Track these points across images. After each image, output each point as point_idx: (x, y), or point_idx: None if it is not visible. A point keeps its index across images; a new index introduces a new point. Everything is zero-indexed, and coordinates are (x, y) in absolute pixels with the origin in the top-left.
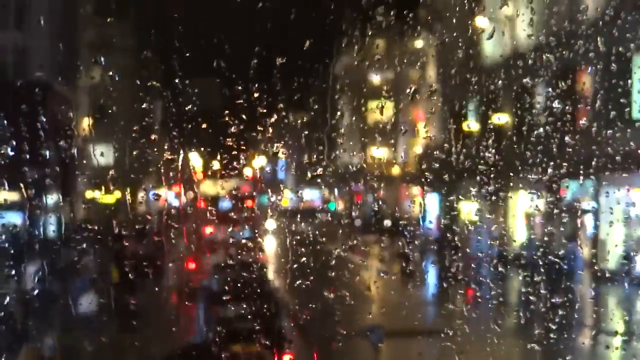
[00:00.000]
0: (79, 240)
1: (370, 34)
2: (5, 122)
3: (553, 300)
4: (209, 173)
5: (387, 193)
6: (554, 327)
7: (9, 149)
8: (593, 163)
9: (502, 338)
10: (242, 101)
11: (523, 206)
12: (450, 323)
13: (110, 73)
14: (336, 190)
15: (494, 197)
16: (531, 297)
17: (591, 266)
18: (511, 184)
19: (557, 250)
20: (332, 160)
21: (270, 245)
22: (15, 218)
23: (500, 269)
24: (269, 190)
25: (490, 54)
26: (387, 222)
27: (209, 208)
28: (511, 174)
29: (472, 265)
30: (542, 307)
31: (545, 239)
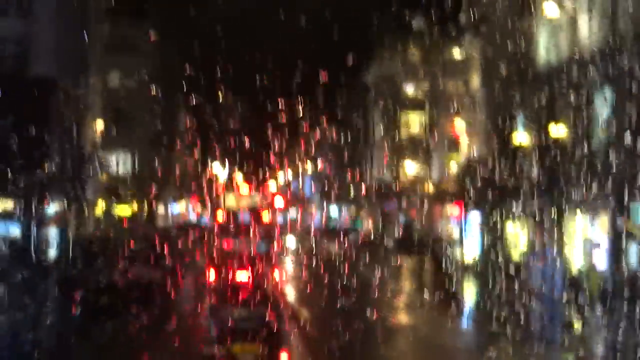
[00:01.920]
0: None
1: (407, 43)
2: None
3: None
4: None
5: (423, 211)
6: None
7: None
8: None
9: None
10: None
11: (584, 230)
12: None
13: None
14: (365, 208)
15: (543, 218)
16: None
17: None
18: (566, 205)
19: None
20: (363, 178)
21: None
22: None
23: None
24: (295, 206)
25: (545, 61)
26: (423, 243)
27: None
28: (565, 193)
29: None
30: None
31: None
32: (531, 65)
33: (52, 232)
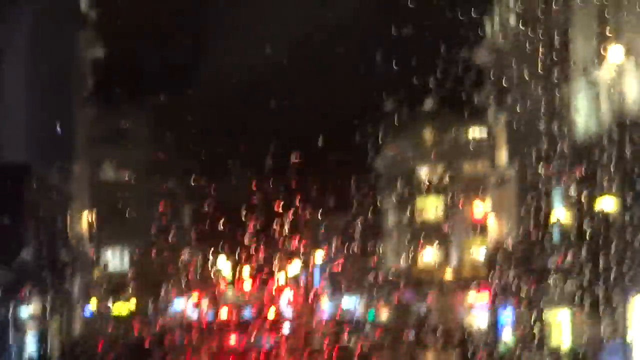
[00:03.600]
0: None
1: (420, 124)
2: None
3: None
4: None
5: (442, 300)
6: None
7: None
8: None
9: None
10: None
11: None
12: None
13: None
14: (380, 298)
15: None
16: None
17: None
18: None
19: None
20: (377, 266)
21: None
22: None
23: None
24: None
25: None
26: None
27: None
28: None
29: None
30: None
31: None
32: (569, 136)
33: (30, 335)
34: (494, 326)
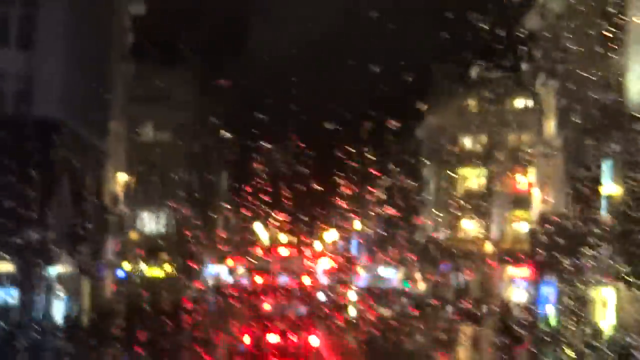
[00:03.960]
0: None
1: (465, 92)
2: None
3: None
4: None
5: (482, 273)
6: None
7: None
8: None
9: None
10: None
11: None
12: None
13: None
14: (418, 269)
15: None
16: None
17: None
18: None
19: None
20: (416, 236)
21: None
22: None
23: None
24: (341, 266)
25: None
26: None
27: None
28: None
29: None
30: None
31: None
32: (621, 106)
33: (59, 299)
34: (535, 301)
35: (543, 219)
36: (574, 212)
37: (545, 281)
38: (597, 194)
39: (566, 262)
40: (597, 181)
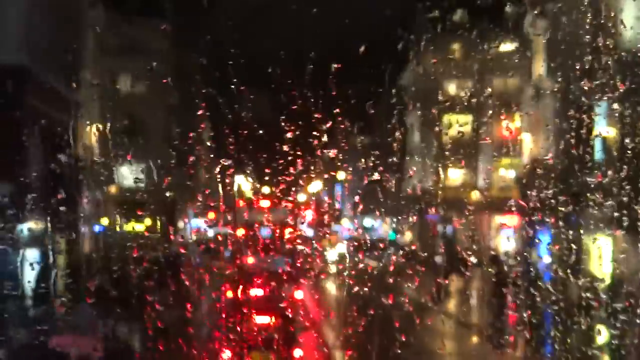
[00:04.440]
0: None
1: (448, 36)
2: None
3: None
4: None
5: (470, 222)
6: None
7: None
8: None
9: None
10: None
11: None
12: None
13: None
14: (404, 219)
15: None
16: None
17: None
18: None
19: None
20: (400, 186)
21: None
22: None
23: None
24: (325, 217)
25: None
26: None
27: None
28: None
29: None
30: None
31: None
32: (614, 49)
33: (32, 253)
34: (525, 250)
35: (534, 165)
36: (567, 157)
37: (536, 230)
38: (590, 137)
39: (559, 210)
40: (590, 124)
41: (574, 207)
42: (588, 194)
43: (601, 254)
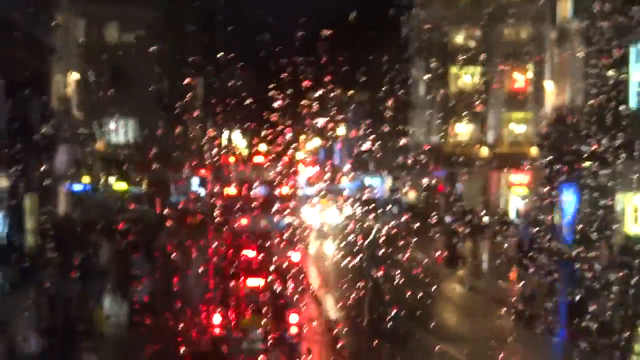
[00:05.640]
0: None
1: None
2: None
3: None
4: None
5: (479, 181)
6: None
7: None
8: None
9: None
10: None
11: None
12: None
13: None
14: (407, 177)
15: None
16: None
17: None
18: None
19: None
20: (404, 143)
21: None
22: None
23: None
24: (324, 176)
25: None
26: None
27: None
28: None
29: None
30: None
31: None
32: None
33: None
34: (541, 210)
35: (557, 117)
36: (595, 106)
37: (560, 188)
38: (622, 83)
39: (585, 166)
40: (621, 69)
41: (606, 163)
42: (622, 149)
43: (637, 215)
